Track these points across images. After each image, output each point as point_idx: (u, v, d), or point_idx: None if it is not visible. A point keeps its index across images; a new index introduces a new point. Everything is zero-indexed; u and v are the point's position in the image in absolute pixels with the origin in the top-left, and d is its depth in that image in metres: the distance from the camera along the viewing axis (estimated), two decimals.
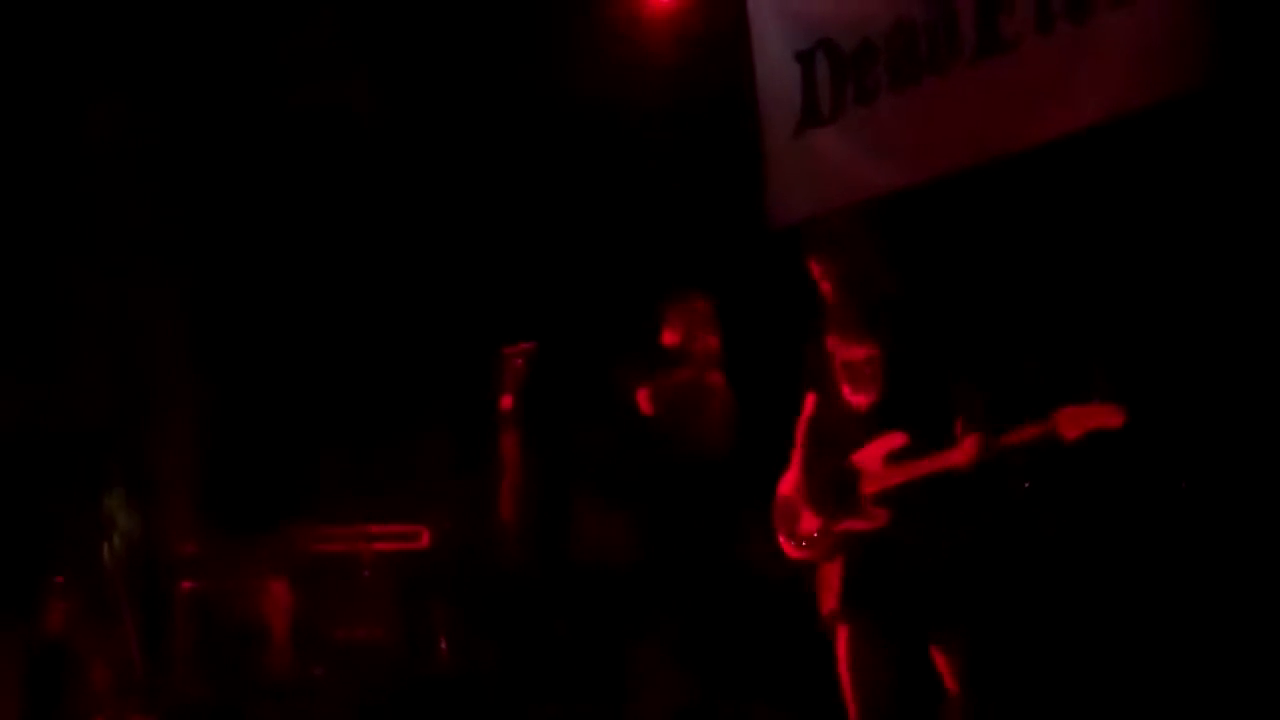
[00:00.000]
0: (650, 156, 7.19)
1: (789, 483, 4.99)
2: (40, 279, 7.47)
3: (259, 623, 6.95)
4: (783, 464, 5.05)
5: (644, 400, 6.24)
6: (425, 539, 7.30)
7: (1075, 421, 4.27)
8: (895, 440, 4.65)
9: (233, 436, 7.73)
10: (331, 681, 6.92)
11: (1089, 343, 5.63)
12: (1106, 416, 4.26)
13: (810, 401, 4.96)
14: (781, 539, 4.96)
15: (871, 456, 4.70)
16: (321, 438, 7.56)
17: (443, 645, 7.26)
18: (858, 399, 4.75)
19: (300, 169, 7.84)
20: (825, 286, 4.86)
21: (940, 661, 4.63)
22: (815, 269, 4.87)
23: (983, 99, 6.23)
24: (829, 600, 4.79)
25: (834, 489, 4.78)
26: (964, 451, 4.45)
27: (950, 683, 4.61)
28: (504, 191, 7.52)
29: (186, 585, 6.99)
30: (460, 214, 7.65)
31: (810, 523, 4.84)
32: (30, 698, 5.21)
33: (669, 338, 6.36)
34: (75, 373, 7.52)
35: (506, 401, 6.56)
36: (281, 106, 7.79)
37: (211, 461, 7.73)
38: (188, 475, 7.68)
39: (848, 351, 4.75)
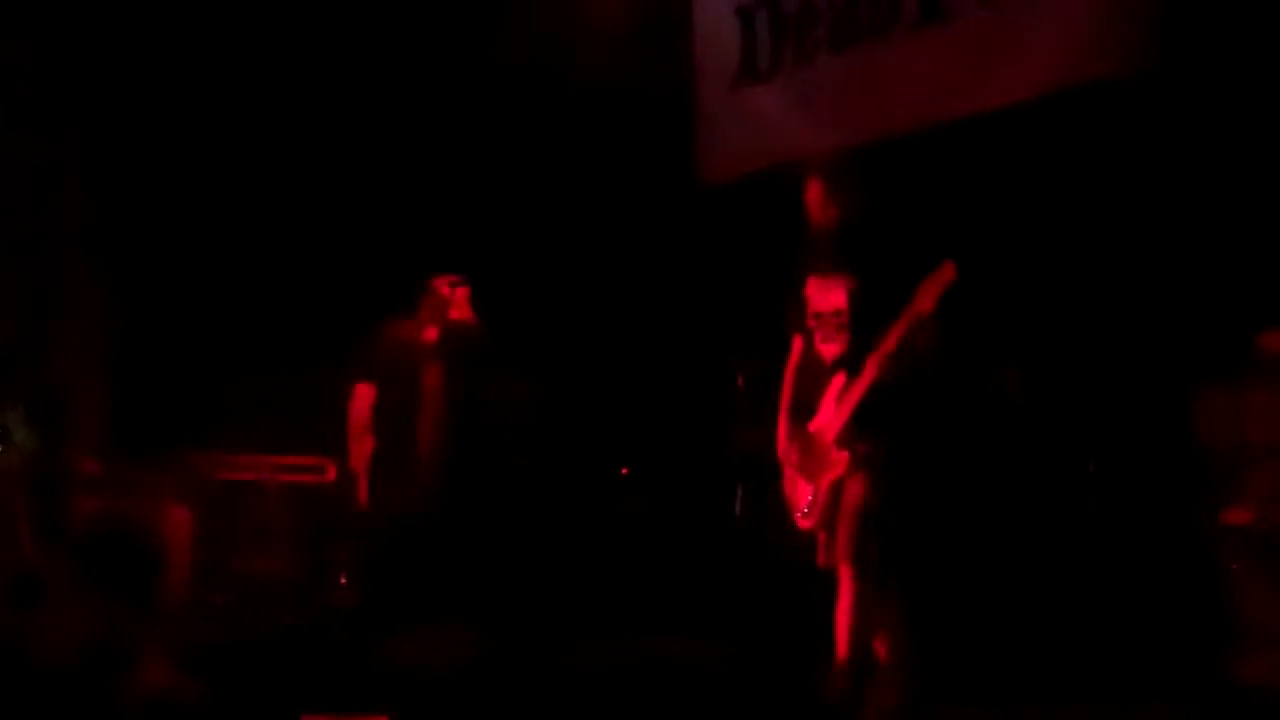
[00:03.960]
0: (585, 108, 7.16)
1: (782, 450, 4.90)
2: None
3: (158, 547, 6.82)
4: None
5: None
6: (332, 473, 7.21)
7: (925, 295, 4.46)
8: (838, 381, 4.67)
9: (141, 359, 7.58)
10: (230, 610, 6.85)
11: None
12: (943, 275, 4.45)
13: (797, 346, 4.92)
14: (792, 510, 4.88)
15: (828, 405, 4.71)
16: (231, 365, 7.44)
17: (343, 581, 7.20)
18: (827, 349, 4.75)
19: (215, 82, 7.71)
20: (817, 223, 4.80)
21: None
22: (812, 203, 4.81)
23: (919, 67, 6.34)
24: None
25: (809, 452, 4.76)
26: (868, 371, 4.54)
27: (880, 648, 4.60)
28: (434, 128, 7.46)
29: (85, 504, 6.84)
30: (387, 148, 7.58)
31: (804, 491, 4.77)
32: None
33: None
34: None
35: (431, 334, 6.42)
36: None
37: (118, 382, 7.58)
38: (93, 395, 7.52)
39: (819, 301, 4.74)
